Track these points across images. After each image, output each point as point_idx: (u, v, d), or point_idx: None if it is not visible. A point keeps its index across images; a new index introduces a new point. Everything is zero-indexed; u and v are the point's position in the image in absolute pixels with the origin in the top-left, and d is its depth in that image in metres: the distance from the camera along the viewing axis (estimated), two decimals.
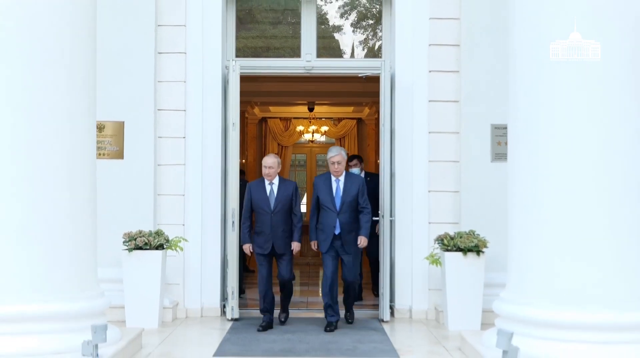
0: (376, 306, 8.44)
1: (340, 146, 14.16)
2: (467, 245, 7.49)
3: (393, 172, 8.40)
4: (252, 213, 7.69)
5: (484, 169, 8.09)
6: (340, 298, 7.84)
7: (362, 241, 7.62)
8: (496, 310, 6.15)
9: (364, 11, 9.83)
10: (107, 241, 7.25)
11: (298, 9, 9.05)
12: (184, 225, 8.33)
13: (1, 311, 5.44)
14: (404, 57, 8.41)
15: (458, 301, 7.58)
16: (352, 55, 9.81)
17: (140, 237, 7.55)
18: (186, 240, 8.03)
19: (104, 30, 7.23)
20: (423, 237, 8.27)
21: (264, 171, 7.62)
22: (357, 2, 9.72)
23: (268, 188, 7.60)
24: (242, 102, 8.57)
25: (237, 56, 8.85)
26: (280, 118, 17.45)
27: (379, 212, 8.26)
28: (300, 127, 17.19)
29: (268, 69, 9.12)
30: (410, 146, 8.36)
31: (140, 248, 7.54)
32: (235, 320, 8.10)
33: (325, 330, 7.44)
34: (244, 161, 15.27)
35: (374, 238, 8.20)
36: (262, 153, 16.44)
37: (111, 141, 8.14)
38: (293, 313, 8.28)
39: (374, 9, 9.63)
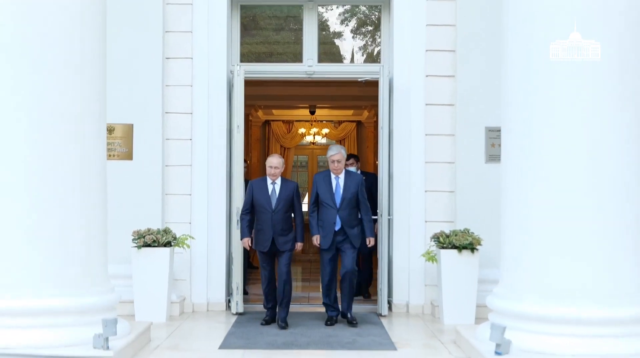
0: (375, 301, 8.44)
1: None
2: (462, 242, 7.50)
3: (391, 172, 8.41)
4: (251, 209, 7.57)
5: (479, 170, 8.10)
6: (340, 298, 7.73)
7: (371, 241, 7.70)
8: (489, 305, 6.17)
9: (363, 18, 9.84)
10: (117, 238, 7.28)
11: (300, 16, 9.07)
12: (190, 223, 8.35)
13: (17, 306, 5.49)
14: (401, 62, 8.42)
15: (453, 296, 7.59)
16: (352, 60, 9.82)
17: (149, 235, 7.57)
18: (193, 238, 8.05)
19: (114, 36, 7.24)
20: (420, 235, 8.29)
21: (270, 170, 7.52)
22: (356, 9, 9.73)
23: (270, 187, 7.51)
24: (246, 106, 8.57)
25: (241, 61, 8.86)
26: (283, 121, 17.47)
27: (378, 211, 8.28)
28: (302, 130, 17.22)
29: (271, 74, 9.14)
30: (408, 147, 8.37)
31: (149, 246, 7.55)
32: (240, 314, 8.11)
33: (326, 324, 7.45)
34: (248, 162, 15.27)
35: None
36: (266, 155, 16.41)
37: (121, 143, 8.15)
38: (295, 307, 8.29)
39: (373, 16, 9.64)
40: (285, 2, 9.24)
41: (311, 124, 16.92)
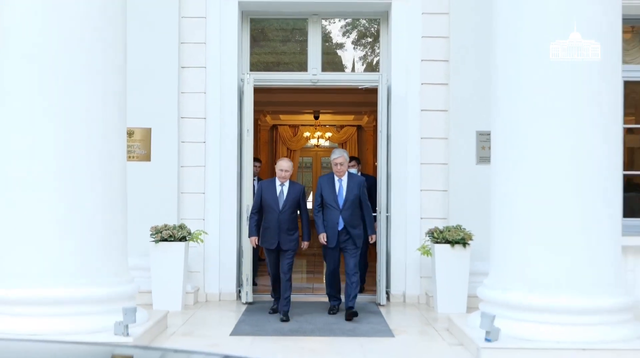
0: (374, 291, 8.45)
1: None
2: (455, 237, 7.50)
3: (389, 173, 8.42)
4: (260, 209, 7.48)
5: (470, 171, 8.09)
6: (341, 295, 7.64)
7: (373, 238, 7.69)
8: (480, 295, 6.18)
9: (363, 30, 9.84)
10: (136, 233, 7.29)
11: (305, 28, 9.07)
12: (204, 219, 8.35)
13: (44, 295, 5.50)
14: (399, 71, 8.42)
15: (446, 287, 7.59)
16: (353, 69, 9.81)
17: (166, 230, 7.57)
18: (206, 233, 8.06)
19: (134, 47, 7.25)
20: (415, 231, 8.28)
21: (280, 173, 7.41)
22: (357, 22, 9.73)
23: (279, 188, 7.40)
24: (255, 111, 8.58)
25: (251, 70, 8.88)
26: (289, 125, 17.47)
27: (377, 209, 8.28)
28: (306, 133, 17.23)
29: (278, 82, 9.14)
30: (405, 150, 8.37)
31: (166, 240, 7.56)
32: (249, 303, 8.12)
33: (329, 313, 7.43)
34: (261, 161, 15.26)
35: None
36: (274, 157, 16.45)
37: (140, 145, 8.16)
38: (300, 297, 8.31)
39: (372, 29, 9.64)
40: (292, 15, 9.25)
41: (315, 129, 16.92)
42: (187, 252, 7.78)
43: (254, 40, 9.28)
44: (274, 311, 7.49)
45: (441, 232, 7.62)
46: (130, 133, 7.76)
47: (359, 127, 17.35)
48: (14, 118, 5.69)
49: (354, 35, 9.79)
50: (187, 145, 8.35)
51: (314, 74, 8.86)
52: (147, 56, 8.05)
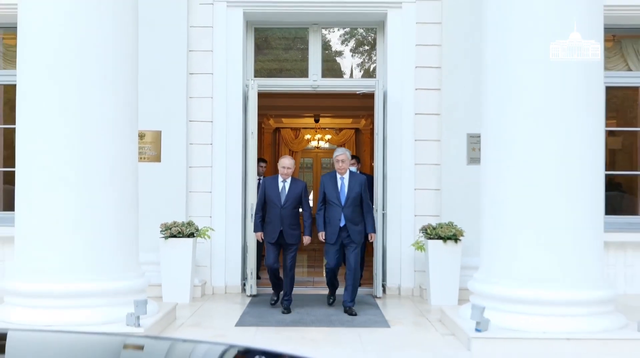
0: (371, 284, 8.44)
1: None
2: (447, 234, 7.50)
3: (385, 173, 8.41)
4: (264, 205, 7.39)
5: (461, 171, 8.08)
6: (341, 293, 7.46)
7: (373, 237, 7.48)
8: (471, 288, 6.17)
9: (361, 39, 9.83)
10: (147, 230, 7.28)
11: (306, 37, 9.06)
12: (211, 216, 8.35)
13: (60, 288, 5.51)
14: (394, 77, 8.41)
15: (439, 280, 7.58)
16: (351, 75, 9.80)
17: (175, 227, 7.57)
18: (213, 230, 8.05)
19: (145, 54, 7.23)
20: (410, 227, 8.28)
21: (282, 170, 7.34)
22: (355, 31, 9.72)
23: (281, 184, 7.32)
24: (259, 115, 8.58)
25: (255, 76, 8.86)
26: (291, 128, 17.46)
27: (373, 206, 8.27)
28: (307, 136, 17.23)
29: (281, 87, 9.12)
30: (400, 151, 8.36)
31: (175, 236, 7.55)
32: (254, 296, 8.11)
33: (329, 304, 7.44)
34: (267, 161, 15.26)
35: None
36: (277, 158, 16.42)
37: (150, 147, 8.15)
38: (301, 290, 8.30)
39: (369, 37, 9.63)
40: (293, 25, 9.24)
41: (315, 131, 16.92)
42: (195, 248, 7.77)
43: (258, 48, 9.27)
44: (275, 302, 7.43)
45: (434, 229, 7.61)
46: (141, 136, 7.75)
47: (356, 130, 17.34)
48: (31, 122, 5.69)
49: (352, 43, 9.78)
50: (195, 147, 8.34)
51: (314, 80, 8.85)
52: (157, 63, 8.04)
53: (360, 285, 8.41)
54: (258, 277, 8.80)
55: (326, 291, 7.79)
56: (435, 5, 8.27)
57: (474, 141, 7.95)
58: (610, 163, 9.16)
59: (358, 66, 9.92)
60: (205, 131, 8.36)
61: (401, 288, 8.35)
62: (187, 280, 7.61)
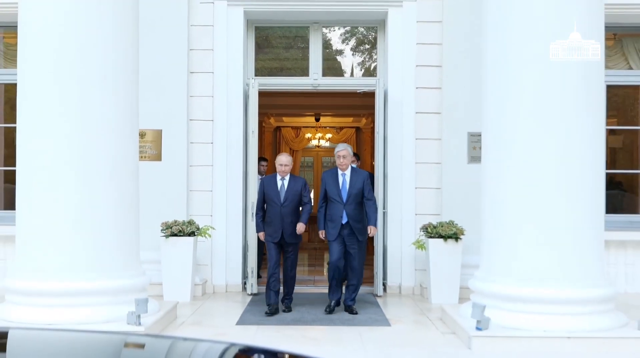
0: (372, 283, 8.44)
1: None
2: (447, 232, 7.50)
3: (386, 172, 8.41)
4: (264, 205, 7.27)
5: (462, 169, 8.09)
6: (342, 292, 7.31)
7: (372, 230, 7.11)
8: (471, 286, 6.17)
9: (361, 37, 9.83)
10: (147, 229, 7.29)
11: (307, 36, 9.06)
12: (211, 215, 8.35)
13: (61, 287, 5.51)
14: (395, 76, 8.42)
15: (439, 279, 7.58)
16: (352, 74, 9.80)
17: (175, 226, 7.57)
18: (213, 228, 8.06)
19: (146, 54, 7.24)
20: (410, 226, 8.28)
21: (280, 168, 7.19)
22: (355, 30, 9.72)
23: (279, 183, 7.17)
24: (260, 114, 8.58)
25: (255, 75, 8.87)
26: (292, 127, 17.44)
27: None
28: (308, 135, 17.20)
29: (282, 86, 9.12)
30: (400, 150, 8.36)
31: (175, 235, 7.56)
32: (254, 294, 8.11)
33: (327, 311, 7.01)
34: (268, 160, 15.25)
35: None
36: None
37: (151, 146, 8.16)
38: (302, 289, 8.30)
39: (370, 36, 9.63)
40: (294, 23, 9.24)
41: (316, 130, 16.90)
42: (196, 246, 7.77)
43: (259, 47, 9.27)
44: (270, 313, 6.87)
45: (435, 227, 7.62)
46: (142, 134, 7.75)
47: (357, 129, 17.32)
48: (31, 121, 5.70)
49: (352, 42, 9.78)
50: (195, 146, 8.35)
51: (315, 79, 8.85)
52: (158, 62, 8.05)
53: (361, 284, 8.42)
54: (259, 276, 8.80)
55: (327, 290, 7.72)
56: (436, 4, 8.27)
57: (475, 139, 7.96)
58: (610, 162, 9.17)
59: (359, 65, 9.92)
60: (206, 130, 8.37)
61: (402, 287, 8.35)
62: (187, 278, 7.61)
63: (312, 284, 9.16)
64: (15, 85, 5.95)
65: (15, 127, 5.91)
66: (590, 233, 5.66)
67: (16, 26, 5.92)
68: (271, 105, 12.77)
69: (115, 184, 5.80)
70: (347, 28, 9.59)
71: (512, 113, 5.74)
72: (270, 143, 17.12)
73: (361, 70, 9.89)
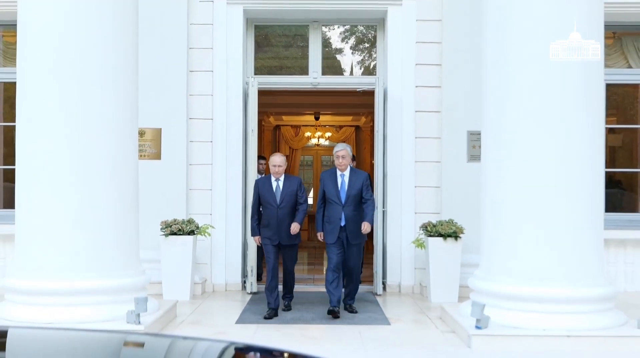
0: (371, 282, 8.44)
1: None
2: (447, 231, 7.50)
3: (385, 171, 8.41)
4: (259, 208, 7.08)
5: (461, 168, 8.09)
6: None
7: (366, 226, 6.82)
8: (471, 285, 6.17)
9: (361, 36, 9.82)
10: (147, 228, 7.29)
11: (306, 35, 9.06)
12: (211, 214, 8.35)
13: (60, 286, 5.51)
14: (394, 74, 8.41)
15: (439, 278, 7.58)
16: (351, 73, 9.80)
17: (175, 224, 7.57)
18: (213, 227, 8.05)
19: (145, 52, 7.23)
20: (410, 225, 8.28)
21: (274, 169, 6.99)
22: (355, 29, 9.71)
23: (274, 184, 6.98)
24: (259, 113, 8.58)
25: (255, 74, 8.87)
26: (291, 126, 17.42)
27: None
28: (307, 133, 17.19)
29: (281, 85, 9.13)
30: (400, 149, 8.36)
31: (175, 234, 7.56)
32: (254, 293, 8.12)
33: (329, 313, 6.70)
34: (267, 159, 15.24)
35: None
36: None
37: (151, 145, 8.16)
38: (302, 288, 8.30)
39: (369, 34, 9.62)
40: (293, 22, 9.23)
41: (316, 129, 16.88)
42: (195, 245, 7.77)
43: (258, 46, 9.27)
44: (269, 317, 6.71)
45: (434, 226, 7.62)
46: (141, 133, 7.75)
47: (357, 128, 17.31)
48: (31, 120, 5.70)
49: (352, 41, 9.78)
50: (195, 144, 8.34)
51: (314, 78, 8.85)
52: (157, 61, 8.05)
53: (360, 283, 8.41)
54: (259, 275, 8.80)
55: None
56: (435, 3, 8.27)
57: (474, 138, 7.96)
58: (610, 161, 9.17)
59: (358, 64, 9.91)
60: (205, 129, 8.37)
61: (401, 286, 8.36)
62: (187, 277, 7.61)
63: (312, 283, 9.17)
64: (14, 84, 5.95)
65: (14, 126, 5.91)
66: (590, 232, 5.66)
67: (16, 25, 5.92)
68: (271, 104, 12.76)
69: (114, 183, 5.79)
70: (347, 27, 9.59)
71: (512, 112, 5.74)
72: (270, 141, 17.10)
73: (361, 69, 9.88)
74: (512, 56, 5.75)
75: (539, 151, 5.61)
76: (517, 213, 5.71)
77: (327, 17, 8.89)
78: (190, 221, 7.71)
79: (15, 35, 6.27)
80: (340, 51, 9.75)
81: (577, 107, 5.60)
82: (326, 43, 9.44)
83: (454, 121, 8.13)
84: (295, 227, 6.93)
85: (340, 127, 17.47)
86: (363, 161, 16.09)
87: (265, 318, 6.68)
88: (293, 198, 6.99)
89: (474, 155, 7.97)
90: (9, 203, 8.02)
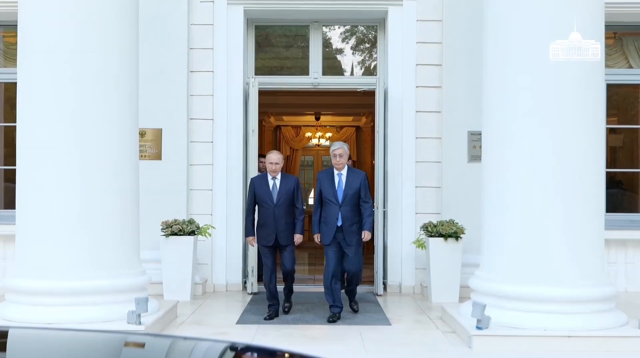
0: (372, 282, 8.44)
1: None
2: (448, 231, 7.50)
3: (386, 171, 8.41)
4: (254, 207, 6.91)
5: (462, 168, 8.08)
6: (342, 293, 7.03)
7: (366, 235, 6.73)
8: (472, 285, 6.17)
9: (361, 36, 9.82)
10: (148, 228, 7.28)
11: (307, 35, 9.06)
12: (211, 214, 8.35)
13: (60, 286, 5.52)
14: (395, 74, 8.41)
15: (440, 278, 7.58)
16: (352, 73, 9.80)
17: (176, 225, 7.57)
18: (214, 227, 8.05)
19: (146, 53, 7.23)
20: (411, 225, 8.28)
21: (270, 167, 6.81)
22: (356, 29, 9.71)
23: (271, 182, 6.80)
24: (260, 113, 8.58)
25: (256, 74, 8.86)
26: (292, 126, 17.43)
27: (374, 204, 8.25)
28: (308, 134, 17.19)
29: (282, 85, 9.13)
30: (400, 149, 8.36)
31: (176, 234, 7.56)
32: (255, 294, 8.12)
33: (329, 321, 6.57)
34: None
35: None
36: None
37: (151, 145, 8.16)
38: (302, 288, 8.30)
39: (370, 35, 9.62)
40: (294, 22, 9.24)
41: (316, 129, 16.88)
42: (196, 245, 7.77)
43: (259, 46, 9.27)
44: (270, 317, 6.65)
45: (435, 226, 7.61)
46: (142, 133, 7.75)
47: (357, 128, 17.31)
48: (31, 120, 5.71)
49: (352, 41, 9.78)
50: (195, 145, 8.34)
51: (315, 78, 8.85)
52: (158, 61, 8.04)
53: (360, 283, 8.39)
54: (259, 275, 8.79)
55: None
56: (436, 3, 8.27)
57: (475, 138, 7.95)
58: (611, 161, 9.17)
59: (359, 64, 9.91)
60: (206, 129, 8.36)
61: (402, 286, 8.35)
62: (188, 277, 7.61)
63: (312, 283, 9.16)
64: (15, 84, 5.95)
65: (15, 126, 5.91)
66: (590, 232, 5.66)
67: (16, 25, 5.92)
68: (271, 104, 12.76)
69: (115, 184, 5.79)
70: (347, 27, 9.59)
71: (512, 112, 5.74)
72: (271, 141, 17.10)
73: (361, 69, 9.88)
74: (512, 56, 5.75)
75: (540, 151, 5.60)
76: (517, 212, 5.71)
77: (327, 17, 8.89)
78: (190, 222, 7.71)
79: (15, 36, 6.28)
80: (340, 51, 9.75)
81: (577, 106, 5.60)
82: (327, 43, 9.45)
83: (454, 121, 8.13)
84: (298, 238, 6.84)
85: (341, 127, 17.47)
86: (364, 161, 16.09)
87: (266, 318, 6.64)
88: (290, 197, 6.81)
89: (475, 155, 7.97)
90: (10, 204, 8.01)
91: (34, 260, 5.62)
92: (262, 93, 8.49)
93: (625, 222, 8.23)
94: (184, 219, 7.72)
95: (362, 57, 9.92)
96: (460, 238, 7.53)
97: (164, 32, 8.14)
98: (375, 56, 9.24)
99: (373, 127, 11.12)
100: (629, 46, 8.60)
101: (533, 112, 5.63)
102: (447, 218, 7.75)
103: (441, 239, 7.53)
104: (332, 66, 9.63)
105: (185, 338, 2.33)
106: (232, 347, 2.24)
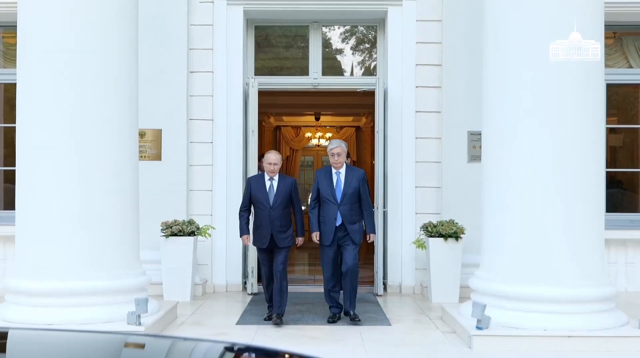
0: (372, 282, 8.44)
1: None
2: (448, 231, 7.50)
3: (386, 171, 8.41)
4: (249, 206, 6.72)
5: (462, 168, 8.08)
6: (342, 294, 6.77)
7: (372, 238, 6.82)
8: (472, 286, 6.17)
9: (361, 37, 9.82)
10: (147, 228, 7.27)
11: (306, 35, 9.06)
12: (211, 215, 8.35)
13: (61, 287, 5.52)
14: (395, 75, 8.42)
15: (440, 278, 7.58)
16: (352, 73, 9.80)
17: (176, 225, 7.57)
18: (214, 228, 8.05)
19: (146, 53, 7.23)
20: (411, 225, 8.28)
21: (269, 167, 6.60)
22: (355, 29, 9.71)
23: (268, 183, 6.59)
24: (259, 113, 8.58)
25: (255, 74, 8.86)
26: (292, 126, 17.42)
27: (374, 204, 8.25)
28: (308, 134, 17.19)
29: (282, 85, 9.13)
30: (400, 149, 8.36)
31: (175, 235, 7.56)
32: (254, 294, 8.11)
33: (328, 321, 6.55)
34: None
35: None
36: None
37: (151, 146, 8.15)
38: (302, 288, 8.30)
39: (369, 35, 9.62)
40: (294, 23, 9.24)
41: (316, 129, 16.89)
42: (196, 246, 7.77)
43: (259, 47, 9.27)
44: (269, 318, 6.55)
45: (435, 226, 7.61)
46: (142, 134, 7.75)
47: (357, 128, 17.31)
48: (31, 121, 5.71)
49: (352, 41, 9.78)
50: (195, 145, 8.34)
51: (315, 78, 8.85)
52: (158, 62, 8.04)
53: (358, 283, 8.33)
54: (259, 276, 8.79)
55: None
56: (435, 3, 8.27)
57: (475, 138, 7.95)
58: (611, 160, 9.17)
59: (358, 64, 9.91)
60: (205, 130, 8.36)
61: (402, 286, 8.35)
62: (187, 278, 7.61)
63: (312, 283, 9.16)
64: (14, 85, 5.95)
65: (14, 127, 5.91)
66: (590, 232, 5.66)
67: (16, 26, 5.92)
68: (271, 104, 12.75)
69: (115, 184, 5.79)
70: (347, 27, 9.59)
71: (512, 112, 5.74)
72: (270, 142, 17.10)
73: (361, 69, 9.88)
74: (512, 56, 5.75)
75: (540, 151, 5.61)
76: (517, 212, 5.71)
77: (327, 17, 8.89)
78: (190, 222, 7.71)
79: (15, 36, 6.28)
80: (340, 51, 9.75)
81: (577, 105, 5.61)
82: (326, 43, 9.45)
83: (454, 121, 8.13)
84: (300, 241, 6.76)
85: (341, 127, 17.47)
86: (364, 161, 16.09)
87: (266, 319, 6.59)
88: (287, 199, 6.61)
89: (475, 155, 7.97)
90: (10, 205, 8.01)
91: (33, 260, 5.62)
92: (262, 93, 8.49)
93: (625, 222, 8.23)
94: (183, 220, 7.72)
95: (361, 58, 9.93)
96: (460, 238, 7.53)
97: (163, 32, 8.14)
98: (375, 56, 9.24)
99: (373, 127, 11.12)
100: (628, 46, 8.60)
101: (533, 112, 5.63)
102: (447, 218, 7.75)
103: (441, 239, 7.53)
104: (331, 66, 9.63)
105: (185, 338, 2.33)
106: (232, 348, 2.24)
